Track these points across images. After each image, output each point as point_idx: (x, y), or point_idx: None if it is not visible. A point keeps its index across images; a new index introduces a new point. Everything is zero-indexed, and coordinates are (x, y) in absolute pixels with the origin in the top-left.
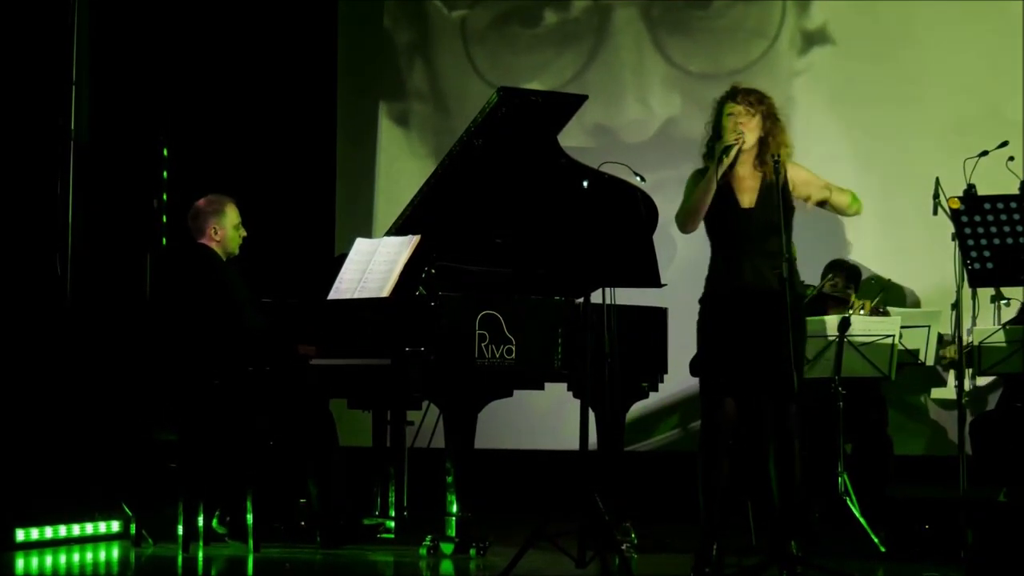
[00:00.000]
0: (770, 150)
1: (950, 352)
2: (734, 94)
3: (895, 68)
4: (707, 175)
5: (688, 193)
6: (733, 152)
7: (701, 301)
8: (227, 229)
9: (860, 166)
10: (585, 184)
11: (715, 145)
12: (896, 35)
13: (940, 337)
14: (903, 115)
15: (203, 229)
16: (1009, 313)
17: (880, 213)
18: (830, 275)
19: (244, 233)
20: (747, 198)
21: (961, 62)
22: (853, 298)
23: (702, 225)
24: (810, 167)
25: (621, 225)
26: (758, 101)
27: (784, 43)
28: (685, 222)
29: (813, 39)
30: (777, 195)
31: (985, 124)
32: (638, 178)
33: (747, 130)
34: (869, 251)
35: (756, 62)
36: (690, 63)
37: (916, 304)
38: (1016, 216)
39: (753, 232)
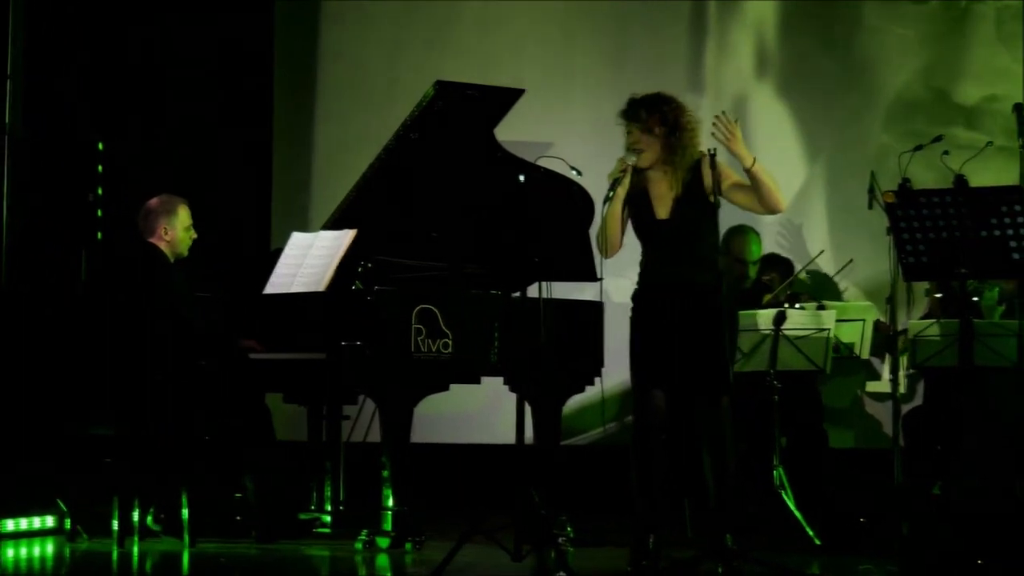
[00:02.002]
0: (674, 157)
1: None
2: (628, 110)
3: (845, 55)
4: (606, 209)
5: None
6: (625, 181)
7: (633, 297)
8: (177, 230)
9: (809, 155)
10: (521, 178)
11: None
12: (846, 22)
13: (878, 326)
14: (852, 102)
15: (153, 228)
16: (920, 309)
17: (828, 202)
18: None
19: (194, 235)
20: (662, 209)
21: (909, 48)
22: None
23: None
24: (760, 157)
25: (557, 219)
26: (650, 113)
27: (735, 33)
28: (602, 251)
29: (764, 28)
30: (692, 200)
31: (934, 109)
32: (574, 172)
33: (643, 147)
34: (818, 241)
35: (706, 53)
36: (640, 53)
37: (856, 297)
38: (951, 210)
39: (671, 240)
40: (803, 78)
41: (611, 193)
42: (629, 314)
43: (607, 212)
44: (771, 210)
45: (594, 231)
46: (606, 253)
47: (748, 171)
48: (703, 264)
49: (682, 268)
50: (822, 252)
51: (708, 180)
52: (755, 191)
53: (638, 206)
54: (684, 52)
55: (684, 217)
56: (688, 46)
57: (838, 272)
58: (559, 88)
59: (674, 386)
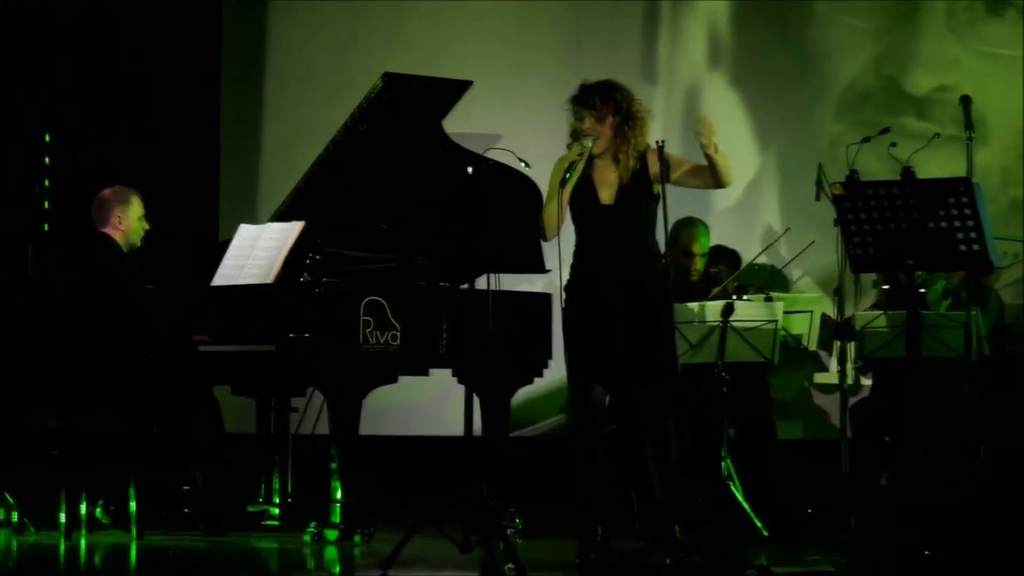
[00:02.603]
0: (623, 145)
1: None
2: (580, 96)
3: (797, 46)
4: (553, 193)
5: (549, 191)
6: (580, 166)
7: (565, 288)
8: (131, 220)
9: (761, 145)
10: (469, 170)
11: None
12: (798, 14)
13: (825, 318)
14: (804, 92)
15: (107, 218)
16: (867, 300)
17: (780, 192)
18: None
19: (147, 226)
20: (607, 194)
21: (861, 39)
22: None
23: None
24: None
25: (505, 211)
26: (604, 100)
27: (688, 24)
28: (544, 233)
29: (717, 19)
30: (637, 188)
31: (885, 99)
32: (522, 164)
33: (596, 133)
34: (769, 231)
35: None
36: (594, 44)
37: (805, 288)
38: (898, 202)
39: (614, 226)
40: (755, 69)
41: (567, 175)
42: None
43: (560, 195)
44: (719, 185)
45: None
46: (550, 234)
47: (710, 155)
48: (646, 254)
49: (623, 255)
50: (788, 230)
51: (655, 169)
52: (710, 170)
53: (581, 191)
54: (638, 43)
55: (628, 204)
56: (641, 37)
57: (798, 255)
58: (514, 80)
59: (615, 379)
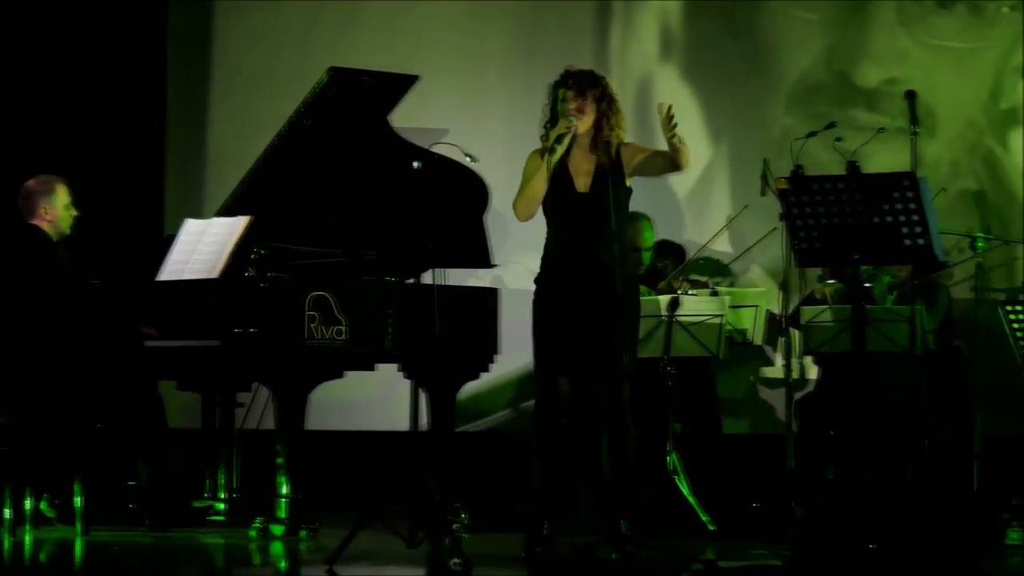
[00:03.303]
0: (605, 133)
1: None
2: (566, 78)
3: (748, 38)
4: (540, 166)
5: (524, 179)
6: (566, 140)
7: (536, 281)
8: (58, 209)
9: (713, 136)
10: (416, 165)
11: (549, 133)
12: (749, 6)
13: (770, 316)
14: (755, 84)
15: (34, 209)
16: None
17: (731, 183)
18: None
19: (75, 212)
20: (582, 182)
21: (812, 32)
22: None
23: None
24: (664, 138)
25: (452, 206)
26: (591, 84)
27: (640, 16)
28: (521, 211)
29: (669, 11)
30: (615, 178)
31: (835, 91)
32: (468, 159)
33: (580, 115)
34: (720, 223)
35: (611, 36)
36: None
37: (752, 283)
38: (843, 196)
39: (588, 216)
40: (707, 61)
41: (556, 146)
42: (532, 297)
43: (545, 165)
44: (679, 167)
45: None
46: (527, 213)
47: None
48: (617, 246)
49: (596, 248)
50: (746, 207)
51: (629, 161)
52: (672, 155)
53: (557, 179)
54: (590, 36)
55: (603, 193)
56: (594, 30)
57: (757, 243)
58: (469, 74)
59: (580, 373)
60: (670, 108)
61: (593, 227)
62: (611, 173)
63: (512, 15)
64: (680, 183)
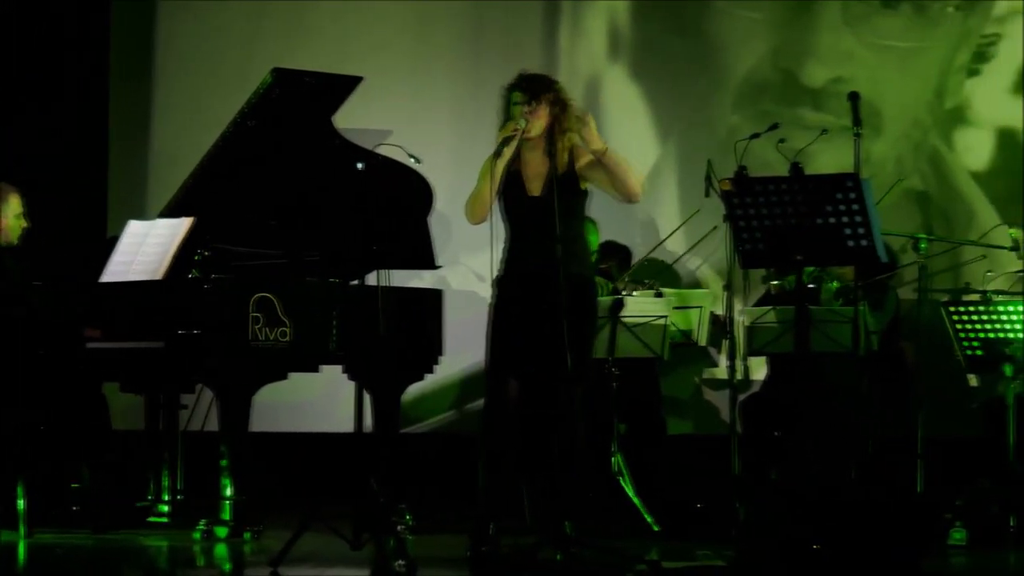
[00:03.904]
0: (558, 137)
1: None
2: (520, 82)
3: (695, 38)
4: (484, 173)
5: (479, 180)
6: (513, 144)
7: (494, 283)
8: (8, 218)
9: (660, 135)
10: (360, 166)
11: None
12: (696, 5)
13: (714, 318)
14: (702, 84)
15: None
16: (756, 295)
17: (679, 182)
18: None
19: (26, 224)
20: (535, 186)
21: (758, 31)
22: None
23: None
24: (613, 138)
25: (396, 207)
26: (544, 88)
27: (588, 16)
28: (469, 214)
29: (616, 10)
30: (566, 182)
31: (782, 90)
32: (412, 160)
33: (531, 118)
34: (669, 223)
35: (560, 35)
36: (495, 36)
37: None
38: (787, 198)
39: (540, 220)
40: (654, 60)
41: (504, 149)
42: (476, 298)
43: (492, 169)
44: (626, 197)
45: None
46: (478, 217)
47: (599, 158)
48: (572, 249)
49: (551, 252)
50: (697, 211)
51: (580, 165)
52: (608, 177)
53: (510, 183)
54: (538, 36)
55: (556, 197)
56: (542, 30)
57: (703, 238)
58: (414, 73)
59: (529, 375)
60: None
61: (546, 231)
62: (564, 177)
63: (459, 16)
64: None
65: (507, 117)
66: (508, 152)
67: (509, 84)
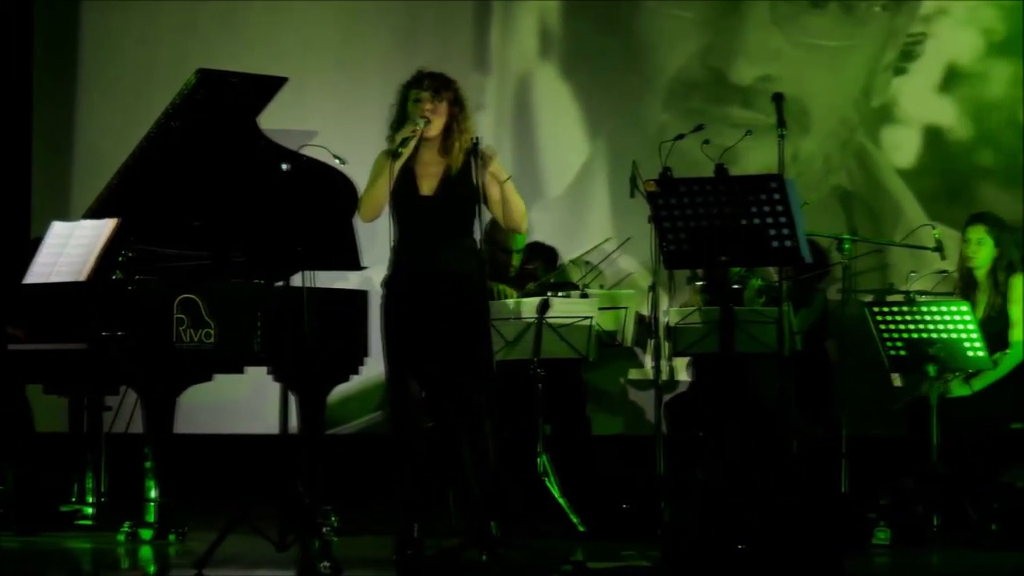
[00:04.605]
0: (454, 137)
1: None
2: (420, 80)
3: (626, 36)
4: (384, 168)
5: (370, 180)
6: (412, 143)
7: (384, 283)
8: None
9: (591, 133)
10: (284, 167)
11: (395, 135)
12: (627, 4)
13: (640, 319)
14: (632, 82)
15: None
16: (682, 296)
17: (609, 180)
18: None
19: None
20: (428, 185)
21: (687, 30)
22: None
23: None
24: (544, 136)
25: (320, 208)
26: (444, 87)
27: (519, 14)
28: (364, 213)
29: (547, 9)
30: (462, 182)
31: (711, 89)
32: (337, 161)
33: (433, 117)
34: (598, 220)
35: (491, 34)
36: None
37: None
38: (711, 199)
39: (432, 219)
40: (585, 58)
41: (400, 150)
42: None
43: (390, 167)
44: (509, 227)
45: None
46: (371, 214)
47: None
48: (462, 250)
49: (440, 252)
50: (608, 240)
51: (479, 172)
52: (502, 202)
53: (402, 181)
54: (470, 34)
55: (448, 197)
56: (473, 28)
57: (617, 248)
58: (346, 72)
59: (431, 375)
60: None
61: (436, 230)
62: (457, 177)
63: (390, 15)
64: (557, 181)
65: (402, 115)
66: (406, 152)
67: (407, 82)
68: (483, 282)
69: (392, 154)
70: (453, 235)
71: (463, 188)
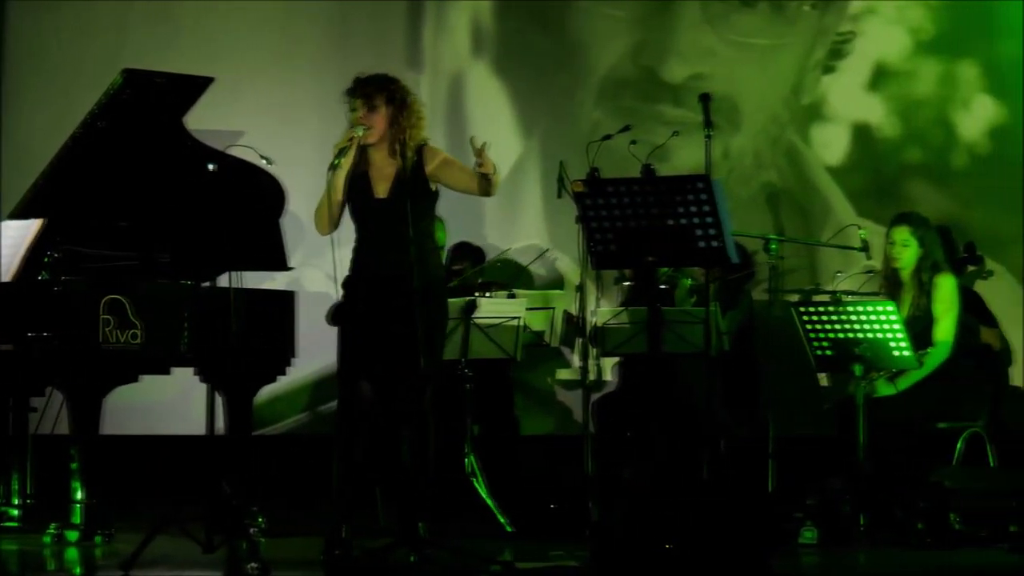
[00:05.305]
0: (400, 137)
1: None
2: (353, 88)
3: (558, 34)
4: (330, 176)
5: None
6: (350, 153)
7: (344, 284)
8: None
9: (524, 131)
10: (211, 167)
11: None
12: (559, 2)
13: (568, 315)
14: (565, 80)
15: None
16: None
17: (542, 177)
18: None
19: None
20: (382, 187)
21: (619, 28)
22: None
23: None
24: (477, 133)
25: (248, 208)
26: (378, 90)
27: (452, 12)
28: (318, 227)
29: (480, 7)
30: (412, 183)
31: (643, 87)
32: (264, 161)
33: (369, 123)
34: (531, 218)
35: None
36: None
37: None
38: (638, 199)
39: (388, 222)
40: (518, 56)
41: (336, 161)
42: (330, 299)
43: (330, 182)
44: (489, 193)
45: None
46: (324, 228)
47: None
48: (419, 251)
49: (397, 254)
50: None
51: (430, 167)
52: (482, 183)
53: (357, 185)
54: (402, 32)
55: (401, 199)
56: (406, 26)
57: (532, 261)
58: (279, 72)
59: (379, 376)
60: (484, 145)
61: (393, 233)
62: (411, 178)
63: (324, 13)
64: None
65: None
66: (346, 163)
67: (346, 89)
68: (441, 283)
69: (330, 167)
70: (409, 236)
71: (418, 188)
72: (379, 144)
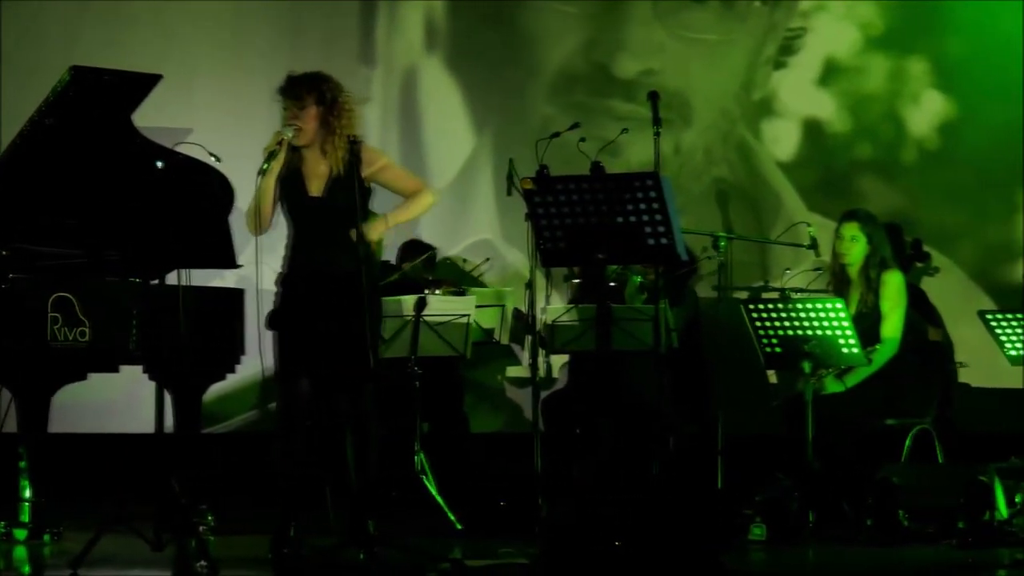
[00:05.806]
0: (333, 134)
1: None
2: (284, 87)
3: (510, 30)
4: (259, 181)
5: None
6: (280, 155)
7: (278, 282)
8: None
9: (476, 126)
10: (159, 164)
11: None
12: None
13: (517, 313)
14: (516, 75)
15: None
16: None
17: (494, 172)
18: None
19: None
20: (316, 186)
21: (571, 24)
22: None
23: None
24: (430, 129)
25: (195, 206)
26: (308, 90)
27: (404, 7)
28: (250, 228)
29: (432, 6)
30: (350, 180)
31: (594, 82)
32: (213, 159)
33: (299, 123)
34: (483, 214)
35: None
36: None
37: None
38: (587, 196)
39: (323, 219)
40: (470, 52)
41: (265, 166)
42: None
43: (260, 185)
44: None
45: (237, 216)
46: (257, 230)
47: None
48: (352, 249)
49: (330, 251)
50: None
51: (367, 171)
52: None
53: (291, 184)
54: (355, 26)
55: (336, 197)
56: (359, 20)
57: (476, 267)
58: (231, 70)
59: (318, 374)
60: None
61: (327, 231)
62: (344, 176)
63: (276, 10)
64: (442, 175)
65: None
66: (276, 165)
67: (278, 88)
68: (374, 281)
69: (259, 171)
70: (342, 234)
71: (349, 188)
72: (312, 145)
